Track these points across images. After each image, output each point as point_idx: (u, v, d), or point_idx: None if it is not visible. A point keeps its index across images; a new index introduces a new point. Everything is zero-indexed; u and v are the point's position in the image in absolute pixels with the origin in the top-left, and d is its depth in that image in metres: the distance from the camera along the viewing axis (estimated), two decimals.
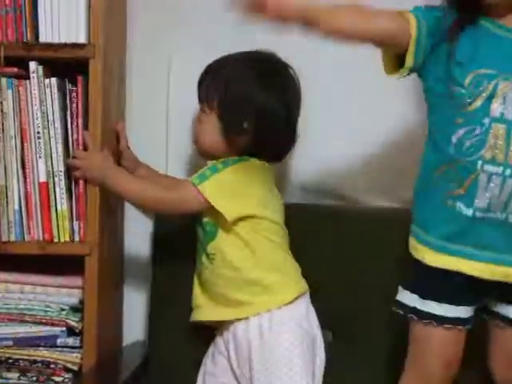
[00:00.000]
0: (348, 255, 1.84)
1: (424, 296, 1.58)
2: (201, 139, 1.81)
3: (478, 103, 1.50)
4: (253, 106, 1.75)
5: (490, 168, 1.51)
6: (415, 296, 1.60)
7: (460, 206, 1.54)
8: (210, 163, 1.76)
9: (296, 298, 1.73)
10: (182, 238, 1.85)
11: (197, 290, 1.81)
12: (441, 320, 1.58)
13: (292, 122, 1.80)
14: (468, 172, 1.52)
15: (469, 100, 1.50)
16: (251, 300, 1.72)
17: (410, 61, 1.55)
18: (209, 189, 1.72)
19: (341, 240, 1.84)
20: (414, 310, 1.60)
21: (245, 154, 1.78)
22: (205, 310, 1.78)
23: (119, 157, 1.88)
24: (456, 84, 1.51)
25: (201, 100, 1.81)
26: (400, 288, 1.63)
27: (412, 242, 1.62)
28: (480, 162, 1.51)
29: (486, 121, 1.50)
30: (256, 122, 1.75)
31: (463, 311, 1.59)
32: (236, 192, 1.74)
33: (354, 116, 1.95)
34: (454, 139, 1.53)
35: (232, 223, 1.72)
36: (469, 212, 1.53)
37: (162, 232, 1.89)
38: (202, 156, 1.83)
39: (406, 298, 1.61)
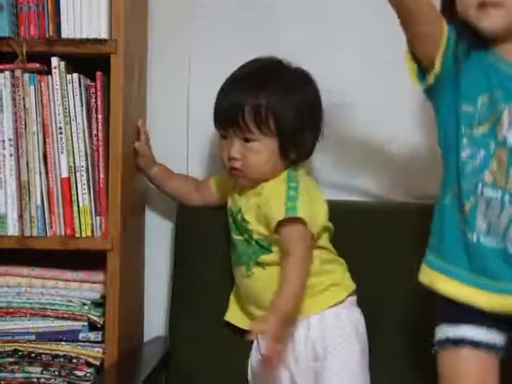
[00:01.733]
0: (372, 252, 1.83)
1: (455, 320, 1.53)
2: (258, 169, 1.73)
3: (487, 126, 1.49)
4: (310, 115, 1.74)
5: (489, 192, 1.48)
6: (446, 325, 1.54)
7: (465, 229, 1.51)
8: (274, 190, 1.72)
9: (346, 297, 1.76)
10: (204, 234, 1.86)
11: (239, 298, 1.80)
12: (473, 343, 1.51)
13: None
14: (468, 195, 1.50)
15: (478, 121, 1.49)
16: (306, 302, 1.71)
17: (438, 63, 1.52)
18: (302, 213, 1.67)
19: (365, 236, 1.84)
20: (448, 340, 1.54)
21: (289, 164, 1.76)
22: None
23: (136, 154, 1.88)
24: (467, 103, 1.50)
25: (246, 131, 1.70)
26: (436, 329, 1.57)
27: (425, 270, 1.58)
28: (480, 186, 1.49)
29: (492, 145, 1.48)
30: (314, 127, 1.75)
31: (497, 336, 1.53)
32: (315, 208, 1.73)
33: (378, 113, 1.94)
34: (458, 161, 1.51)
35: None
36: (474, 237, 1.50)
37: (183, 227, 1.89)
38: (247, 183, 1.76)
39: (441, 332, 1.55)
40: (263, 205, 1.71)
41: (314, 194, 1.75)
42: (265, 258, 1.73)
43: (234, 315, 1.82)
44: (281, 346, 1.60)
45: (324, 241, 1.77)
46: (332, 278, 1.76)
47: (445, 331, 1.55)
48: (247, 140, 1.71)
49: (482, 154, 1.49)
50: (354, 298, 1.78)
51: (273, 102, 1.70)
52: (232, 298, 1.83)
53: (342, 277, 1.78)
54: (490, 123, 1.49)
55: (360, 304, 1.78)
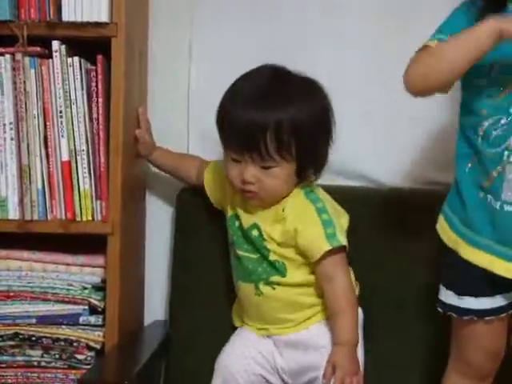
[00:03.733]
0: (373, 236, 1.83)
1: (459, 292, 1.57)
2: (274, 193, 1.67)
3: (505, 93, 1.49)
4: (325, 127, 1.69)
5: None
6: (451, 293, 1.58)
7: (490, 198, 1.52)
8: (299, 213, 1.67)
9: None
10: (205, 218, 1.86)
11: (243, 309, 1.77)
12: (481, 314, 1.55)
13: None
14: (494, 163, 1.50)
15: (495, 89, 1.49)
16: (312, 313, 1.71)
17: None
18: (342, 238, 1.65)
19: (366, 221, 1.83)
20: (452, 308, 1.58)
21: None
22: (256, 326, 1.76)
23: (137, 141, 1.87)
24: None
25: (267, 158, 1.62)
26: (440, 286, 1.61)
27: (445, 228, 1.60)
28: (506, 153, 1.49)
29: None
30: (328, 138, 1.70)
31: (502, 299, 1.56)
32: (342, 223, 1.70)
33: (378, 98, 1.94)
34: (480, 131, 1.52)
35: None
36: (497, 205, 1.51)
37: (183, 211, 1.88)
38: (259, 204, 1.70)
39: (443, 295, 1.60)
40: (295, 231, 1.66)
41: (335, 207, 1.72)
42: (276, 279, 1.70)
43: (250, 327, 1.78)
44: (359, 375, 1.62)
45: None
46: None
47: (448, 296, 1.58)
48: (266, 167, 1.64)
49: (503, 121, 1.50)
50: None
51: (295, 125, 1.61)
52: (235, 314, 1.81)
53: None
54: (508, 90, 1.49)
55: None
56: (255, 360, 1.72)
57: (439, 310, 1.61)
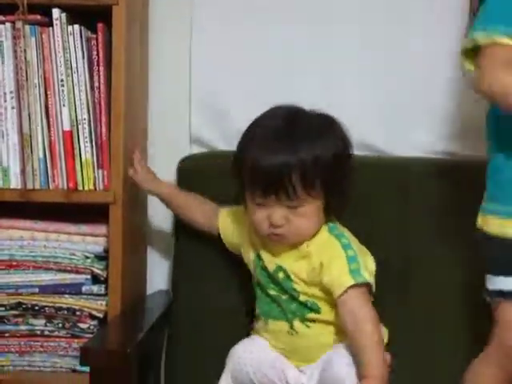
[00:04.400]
0: (375, 206, 1.83)
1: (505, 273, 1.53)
2: (304, 232, 1.63)
3: None
4: (346, 161, 1.66)
5: None
6: (498, 278, 1.54)
7: None
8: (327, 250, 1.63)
9: None
10: (207, 187, 1.84)
11: (271, 341, 1.71)
12: None
13: None
14: None
15: None
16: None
17: None
18: (367, 275, 1.61)
19: (365, 190, 1.82)
20: (499, 293, 1.54)
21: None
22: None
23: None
24: None
25: (293, 198, 1.59)
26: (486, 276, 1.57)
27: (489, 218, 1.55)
28: None
29: None
30: (350, 171, 1.67)
31: None
32: (367, 259, 1.67)
33: (376, 65, 1.93)
34: None
35: None
36: None
37: (185, 179, 1.87)
38: (287, 245, 1.66)
39: (489, 282, 1.56)
40: (320, 266, 1.62)
41: (359, 246, 1.68)
42: (312, 316, 1.66)
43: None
44: None
45: None
46: None
47: (495, 281, 1.54)
48: (293, 206, 1.61)
49: None
50: None
51: (317, 161, 1.59)
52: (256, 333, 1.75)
53: None
54: None
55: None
56: (271, 365, 1.69)
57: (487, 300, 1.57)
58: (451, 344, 1.76)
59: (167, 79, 1.98)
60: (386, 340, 1.67)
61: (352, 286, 1.59)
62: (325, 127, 1.65)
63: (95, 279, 1.82)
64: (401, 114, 1.95)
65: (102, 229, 1.82)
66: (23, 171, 1.78)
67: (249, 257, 1.72)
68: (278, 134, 1.61)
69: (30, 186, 1.78)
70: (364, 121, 1.93)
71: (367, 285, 1.61)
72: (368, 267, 1.64)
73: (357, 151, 1.91)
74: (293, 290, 1.65)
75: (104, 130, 1.78)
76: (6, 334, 1.82)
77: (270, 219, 1.61)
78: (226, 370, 1.70)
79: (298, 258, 1.65)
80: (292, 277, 1.65)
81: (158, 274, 1.99)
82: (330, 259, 1.62)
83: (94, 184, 1.78)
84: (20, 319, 1.81)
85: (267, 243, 1.68)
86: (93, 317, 1.81)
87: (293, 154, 1.58)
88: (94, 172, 1.78)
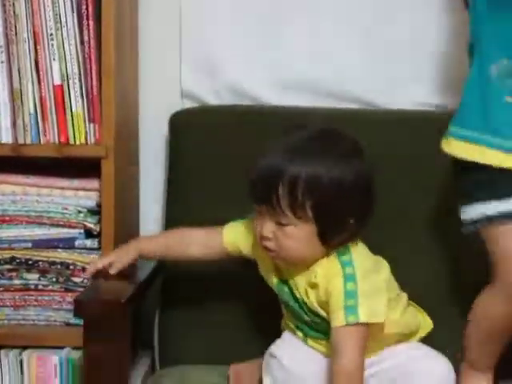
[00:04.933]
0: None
1: (487, 198, 1.52)
2: (294, 254, 1.51)
3: None
4: (355, 196, 1.51)
5: None
6: (478, 204, 1.53)
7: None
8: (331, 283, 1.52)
9: None
10: (198, 140, 1.85)
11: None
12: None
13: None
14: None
15: None
16: None
17: None
18: (366, 315, 1.49)
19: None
20: (484, 219, 1.53)
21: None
22: None
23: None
24: None
25: (280, 213, 1.48)
26: (461, 208, 1.57)
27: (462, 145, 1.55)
28: None
29: None
30: (361, 209, 1.52)
31: None
32: (379, 292, 1.54)
33: (376, 20, 1.93)
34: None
35: None
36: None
37: (177, 134, 1.87)
38: (284, 265, 1.57)
39: (470, 213, 1.55)
40: (324, 297, 1.53)
41: (371, 264, 1.56)
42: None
43: None
44: None
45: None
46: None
47: (477, 209, 1.54)
48: (280, 223, 1.51)
49: None
50: None
51: (312, 184, 1.47)
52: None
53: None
54: None
55: None
56: None
57: (469, 231, 1.56)
58: None
59: (157, 33, 1.96)
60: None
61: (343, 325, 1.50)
62: (344, 154, 1.51)
63: (88, 233, 1.82)
64: (390, 65, 1.95)
65: (94, 183, 1.82)
66: (14, 125, 1.77)
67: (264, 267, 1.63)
68: (294, 144, 1.51)
69: (21, 140, 1.78)
70: (352, 72, 1.94)
71: (365, 325, 1.49)
72: (379, 287, 1.53)
73: (345, 103, 1.94)
74: (318, 314, 1.56)
75: (95, 83, 1.77)
76: (1, 289, 1.82)
77: (261, 229, 1.53)
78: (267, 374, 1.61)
79: (308, 285, 1.55)
80: (308, 302, 1.56)
81: (151, 227, 1.99)
82: (330, 293, 1.51)
83: (86, 138, 1.78)
84: (14, 273, 1.82)
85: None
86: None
87: (287, 165, 1.48)
88: (85, 126, 1.78)
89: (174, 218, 1.86)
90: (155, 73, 1.97)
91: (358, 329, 1.49)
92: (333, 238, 1.51)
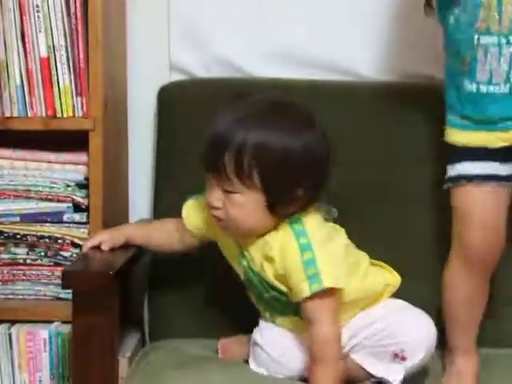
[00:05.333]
0: (360, 130, 1.83)
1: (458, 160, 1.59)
2: (242, 224, 1.50)
3: None
4: (302, 169, 1.48)
5: (486, 39, 1.51)
6: (457, 164, 1.59)
7: (465, 82, 1.55)
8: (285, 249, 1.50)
9: None
10: (186, 113, 1.84)
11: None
12: (485, 178, 1.57)
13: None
14: (466, 48, 1.53)
15: None
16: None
17: None
18: (330, 280, 1.48)
19: (353, 115, 1.83)
20: (459, 177, 1.59)
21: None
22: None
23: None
24: None
25: (226, 181, 1.48)
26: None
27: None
28: (476, 36, 1.52)
29: None
30: (311, 180, 1.50)
31: (500, 168, 1.58)
32: (337, 258, 1.53)
33: None
34: (451, 19, 1.55)
35: None
36: (473, 87, 1.54)
37: (166, 107, 1.86)
38: (235, 234, 1.56)
39: (451, 170, 1.61)
40: (282, 271, 1.52)
41: (327, 231, 1.55)
42: (300, 315, 1.54)
43: None
44: None
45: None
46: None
47: (457, 169, 1.59)
48: (228, 191, 1.50)
49: (471, 4, 1.52)
50: None
51: (260, 152, 1.45)
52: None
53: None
54: None
55: (340, 182, 1.77)
56: None
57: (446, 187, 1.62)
58: None
59: (145, 5, 1.95)
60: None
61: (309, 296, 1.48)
62: (295, 124, 1.49)
63: (77, 207, 1.81)
64: (380, 36, 1.94)
65: (82, 157, 1.81)
66: (1, 99, 1.76)
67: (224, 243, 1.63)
68: (245, 111, 1.50)
69: (7, 113, 1.76)
70: (340, 43, 1.93)
71: (331, 290, 1.49)
72: (339, 251, 1.53)
73: (333, 75, 1.93)
74: (273, 287, 1.56)
75: (82, 56, 1.75)
76: None
77: (209, 198, 1.53)
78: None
79: (264, 259, 1.54)
80: (264, 275, 1.55)
81: (141, 201, 1.98)
82: (289, 268, 1.50)
83: (73, 111, 1.77)
84: (2, 248, 1.81)
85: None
86: (75, 245, 1.81)
87: (238, 132, 1.46)
88: (72, 99, 1.76)
89: (163, 191, 1.85)
90: (143, 45, 1.96)
91: (325, 295, 1.48)
92: (281, 208, 1.50)
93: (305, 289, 1.48)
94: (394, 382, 1.54)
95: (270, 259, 1.53)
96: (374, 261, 1.65)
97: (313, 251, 1.49)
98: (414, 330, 1.55)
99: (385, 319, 1.56)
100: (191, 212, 1.65)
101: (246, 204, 1.48)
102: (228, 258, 1.63)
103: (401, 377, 1.55)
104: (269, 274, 1.54)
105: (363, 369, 1.56)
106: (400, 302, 1.61)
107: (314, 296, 1.48)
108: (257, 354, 1.61)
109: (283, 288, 1.53)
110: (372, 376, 1.56)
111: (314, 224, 1.54)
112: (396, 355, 1.53)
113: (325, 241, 1.53)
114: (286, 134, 1.47)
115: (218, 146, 1.48)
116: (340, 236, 1.59)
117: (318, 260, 1.48)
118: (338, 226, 1.61)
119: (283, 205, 1.50)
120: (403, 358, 1.53)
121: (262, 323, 1.64)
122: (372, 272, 1.62)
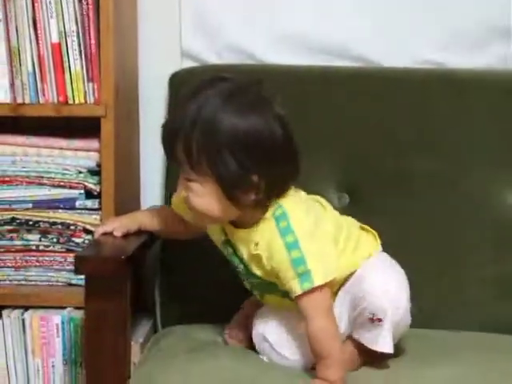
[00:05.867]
0: (370, 115, 1.83)
1: None
2: (205, 214, 1.47)
3: None
4: (252, 154, 1.41)
5: None
6: None
7: None
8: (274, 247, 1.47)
9: None
10: None
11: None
12: None
13: (293, 143, 1.47)
14: None
15: None
16: None
17: None
18: (320, 277, 1.45)
19: (363, 101, 1.83)
20: None
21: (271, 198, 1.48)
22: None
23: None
24: None
25: (182, 166, 1.44)
26: None
27: None
28: None
29: None
30: (264, 166, 1.43)
31: None
32: (326, 247, 1.49)
33: None
34: None
35: None
36: None
37: (177, 93, 1.84)
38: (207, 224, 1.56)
39: None
40: (270, 267, 1.49)
41: (317, 236, 1.48)
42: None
43: None
44: None
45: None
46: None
47: None
48: (188, 180, 1.45)
49: None
50: None
51: (204, 138, 1.40)
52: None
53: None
54: None
55: (348, 167, 1.78)
56: None
57: None
58: None
59: None
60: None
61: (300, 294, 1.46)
62: (241, 107, 1.42)
63: (89, 194, 1.81)
64: (391, 23, 1.93)
65: (94, 143, 1.81)
66: (12, 85, 1.76)
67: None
68: (192, 101, 1.43)
69: (19, 100, 1.77)
70: (353, 30, 1.93)
71: (323, 286, 1.45)
72: (328, 263, 1.48)
73: (346, 62, 1.92)
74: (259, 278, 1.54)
75: (93, 42, 1.76)
76: (2, 249, 1.82)
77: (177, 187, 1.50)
78: None
79: (250, 257, 1.52)
80: (253, 270, 1.53)
81: (153, 187, 1.98)
82: (277, 264, 1.47)
83: (85, 97, 1.77)
84: (14, 234, 1.81)
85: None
86: (87, 231, 1.81)
87: (183, 122, 1.42)
88: (84, 85, 1.77)
89: (174, 177, 1.84)
90: (155, 32, 1.96)
91: (317, 291, 1.46)
92: (241, 196, 1.44)
93: (295, 287, 1.45)
94: (385, 350, 1.50)
95: (256, 257, 1.50)
96: (361, 225, 1.61)
97: (300, 250, 1.45)
98: (376, 288, 1.50)
99: (358, 285, 1.52)
100: (178, 199, 1.60)
101: (204, 193, 1.44)
102: (216, 243, 1.61)
103: (388, 340, 1.50)
104: (256, 270, 1.52)
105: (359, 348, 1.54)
106: (372, 262, 1.56)
107: (306, 292, 1.46)
108: (262, 347, 1.58)
109: (272, 280, 1.52)
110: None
111: (300, 214, 1.49)
112: (371, 319, 1.49)
113: (312, 231, 1.48)
114: (231, 119, 1.41)
115: (170, 138, 1.45)
116: (326, 215, 1.55)
117: (307, 258, 1.45)
118: (321, 199, 1.57)
119: (239, 192, 1.43)
120: (379, 320, 1.49)
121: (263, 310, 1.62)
122: (363, 240, 1.58)
